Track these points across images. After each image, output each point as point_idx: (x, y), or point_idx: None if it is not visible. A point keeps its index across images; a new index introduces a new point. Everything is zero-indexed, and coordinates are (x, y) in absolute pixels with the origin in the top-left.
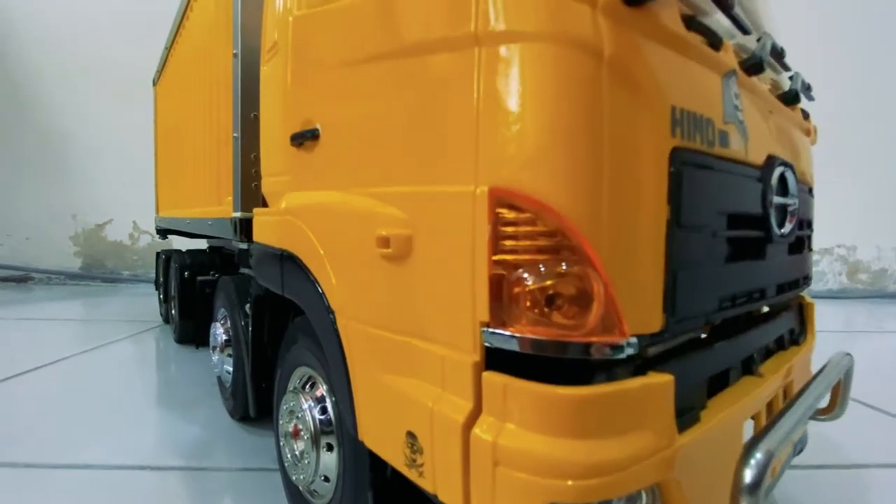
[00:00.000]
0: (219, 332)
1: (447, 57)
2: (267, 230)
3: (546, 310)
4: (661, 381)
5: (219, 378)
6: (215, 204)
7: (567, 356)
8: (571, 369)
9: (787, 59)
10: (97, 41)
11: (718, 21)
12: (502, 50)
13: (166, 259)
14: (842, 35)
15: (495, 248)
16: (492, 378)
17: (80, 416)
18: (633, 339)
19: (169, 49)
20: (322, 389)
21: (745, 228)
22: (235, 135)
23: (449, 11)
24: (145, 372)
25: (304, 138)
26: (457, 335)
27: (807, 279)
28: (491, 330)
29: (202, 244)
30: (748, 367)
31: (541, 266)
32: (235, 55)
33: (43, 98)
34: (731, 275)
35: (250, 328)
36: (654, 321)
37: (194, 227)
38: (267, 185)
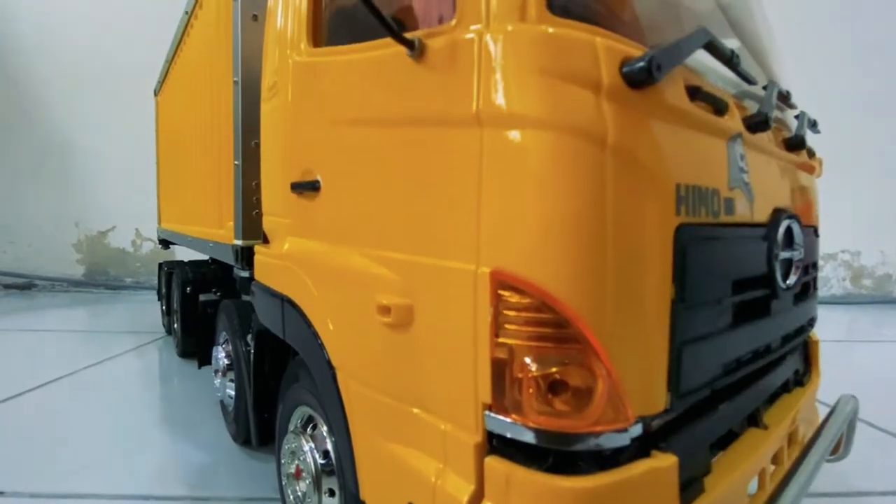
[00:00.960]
0: (220, 355)
1: (450, 132)
2: (268, 271)
3: (549, 397)
4: (665, 465)
5: (221, 402)
6: (216, 226)
7: (571, 448)
8: (574, 453)
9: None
10: (99, 48)
11: (723, 73)
12: (504, 133)
13: (168, 272)
14: (845, 38)
15: (497, 330)
16: (494, 464)
17: (85, 439)
18: (638, 423)
19: (170, 61)
20: (323, 430)
21: (750, 290)
22: (237, 162)
23: (451, 88)
24: (148, 390)
25: (305, 189)
26: (459, 413)
27: (812, 321)
28: (493, 415)
29: (205, 255)
30: (753, 418)
31: (544, 353)
32: (236, 82)
33: (45, 105)
34: (735, 339)
35: (251, 360)
36: (658, 401)
37: (196, 245)
38: (268, 224)
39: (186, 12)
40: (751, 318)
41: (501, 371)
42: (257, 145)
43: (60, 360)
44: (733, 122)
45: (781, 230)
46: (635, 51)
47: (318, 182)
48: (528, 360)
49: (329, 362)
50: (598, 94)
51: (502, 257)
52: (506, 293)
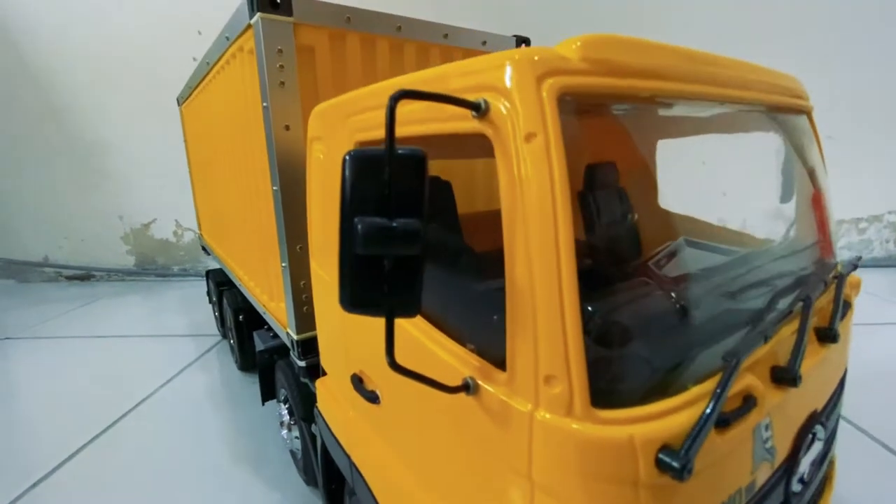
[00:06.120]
0: (283, 412)
1: (506, 472)
2: (332, 416)
3: None
4: None
5: (290, 451)
6: (266, 295)
7: None
8: None
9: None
10: (125, 47)
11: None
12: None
13: (218, 286)
14: None
15: None
16: None
17: (167, 480)
18: None
19: (194, 88)
20: None
21: None
22: (284, 265)
23: (504, 439)
24: (217, 418)
25: (364, 395)
26: None
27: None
28: None
29: None
30: None
31: None
32: (276, 191)
33: (75, 107)
34: None
35: (321, 461)
36: None
37: (246, 293)
38: (326, 365)
39: (208, 63)
40: None
41: None
42: (302, 249)
43: (130, 381)
44: (760, 412)
45: (804, 447)
46: (677, 420)
47: (377, 397)
48: None
49: None
50: (636, 487)
51: None
52: None
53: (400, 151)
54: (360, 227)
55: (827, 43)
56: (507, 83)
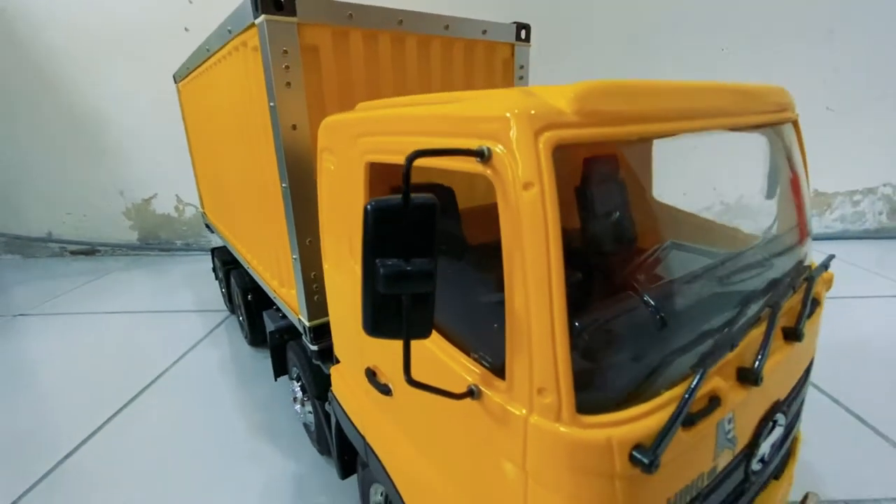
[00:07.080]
0: (296, 388)
1: (505, 463)
2: (346, 399)
3: None
4: None
5: (304, 423)
6: (276, 280)
7: None
8: None
9: None
10: (119, 21)
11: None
12: (546, 493)
13: (224, 265)
14: None
15: None
16: None
17: (190, 456)
18: None
19: (192, 70)
20: None
21: None
22: (294, 257)
23: (504, 439)
24: (230, 394)
25: (377, 387)
26: None
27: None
28: None
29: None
30: None
31: None
32: (285, 188)
33: (69, 81)
34: None
35: (335, 438)
36: None
37: (255, 276)
38: (339, 353)
39: (208, 49)
40: None
41: None
42: (311, 242)
43: (145, 357)
44: (724, 410)
45: (764, 434)
46: (648, 423)
47: (390, 389)
48: None
49: None
50: (612, 478)
51: None
52: None
53: (415, 201)
54: (381, 270)
55: (827, 14)
56: (508, 136)
